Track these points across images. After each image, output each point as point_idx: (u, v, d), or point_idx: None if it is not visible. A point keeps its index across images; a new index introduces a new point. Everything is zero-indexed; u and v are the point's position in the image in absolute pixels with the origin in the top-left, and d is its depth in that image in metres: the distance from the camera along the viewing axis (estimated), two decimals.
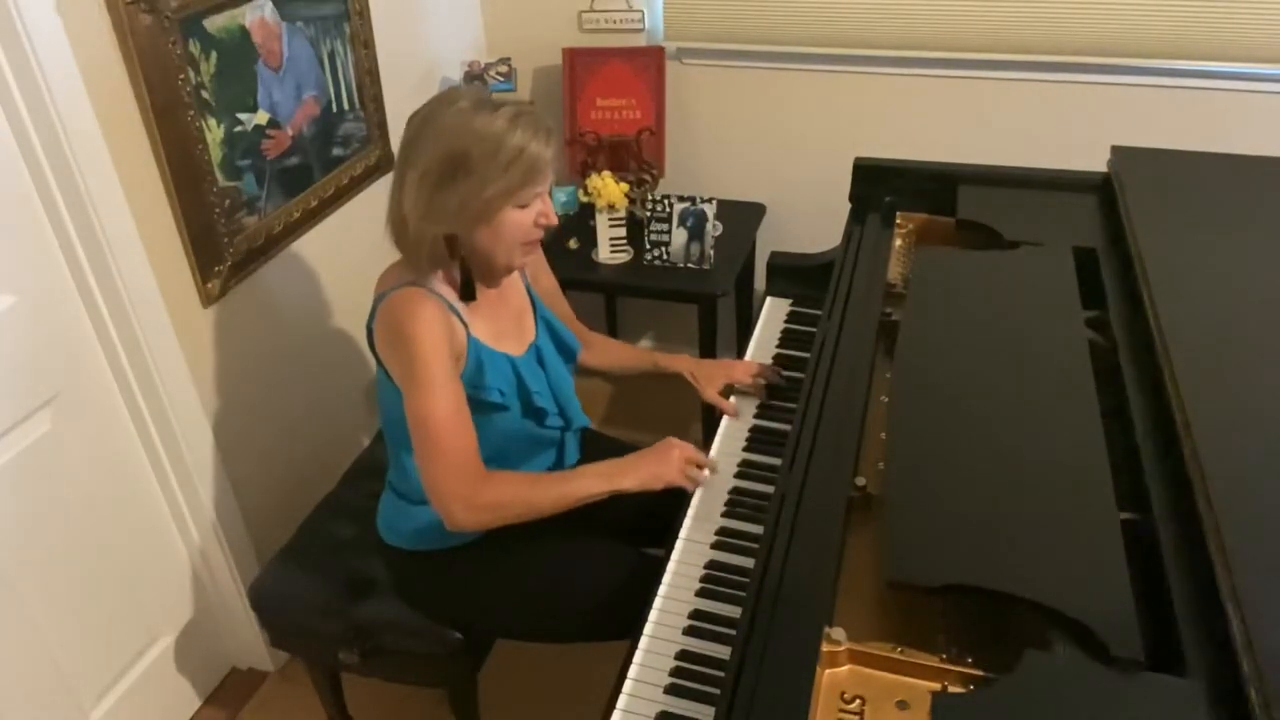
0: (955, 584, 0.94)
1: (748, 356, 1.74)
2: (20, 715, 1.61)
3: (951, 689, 0.94)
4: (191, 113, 1.65)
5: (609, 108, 2.53)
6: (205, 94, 1.68)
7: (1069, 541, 0.98)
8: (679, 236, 2.34)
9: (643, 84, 2.51)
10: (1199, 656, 0.85)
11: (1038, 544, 0.98)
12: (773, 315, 1.86)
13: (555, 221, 1.38)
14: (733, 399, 1.61)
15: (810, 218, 2.59)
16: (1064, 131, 2.32)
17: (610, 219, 2.36)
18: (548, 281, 1.64)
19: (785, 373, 1.64)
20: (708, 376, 1.64)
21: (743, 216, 2.58)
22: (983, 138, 2.40)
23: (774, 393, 1.61)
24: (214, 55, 1.69)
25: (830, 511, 1.13)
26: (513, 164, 1.28)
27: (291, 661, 2.07)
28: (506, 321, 1.48)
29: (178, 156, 1.64)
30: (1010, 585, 0.93)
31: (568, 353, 1.58)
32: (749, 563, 1.27)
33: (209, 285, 1.76)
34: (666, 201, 2.31)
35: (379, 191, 2.23)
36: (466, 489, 1.31)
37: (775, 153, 2.59)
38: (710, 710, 1.01)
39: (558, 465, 1.58)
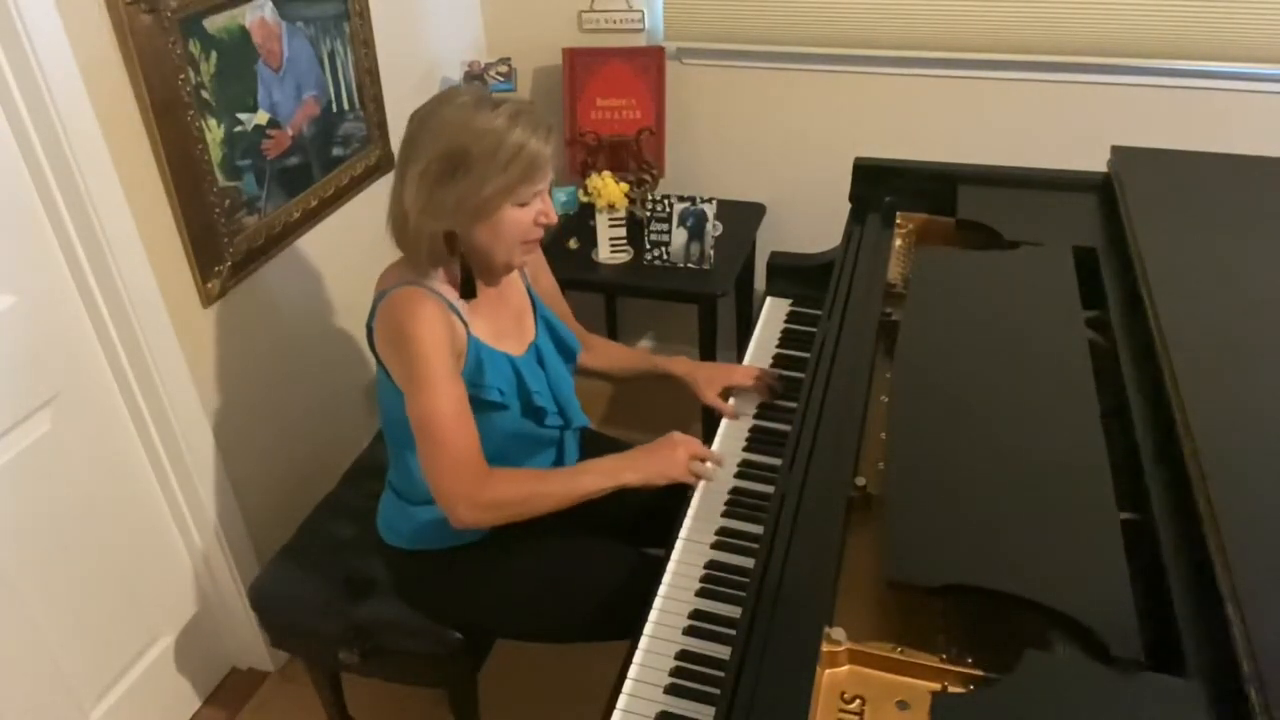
0: (955, 584, 0.94)
1: (748, 356, 1.74)
2: (20, 715, 1.61)
3: (951, 689, 0.94)
4: (191, 113, 1.65)
5: (609, 108, 2.53)
6: (205, 94, 1.68)
7: (1069, 541, 0.98)
8: (679, 236, 2.34)
9: (643, 84, 2.51)
10: (1199, 656, 0.85)
11: (1038, 544, 0.98)
12: (773, 315, 1.86)
13: (555, 220, 1.38)
14: (732, 400, 1.61)
15: (810, 218, 2.59)
16: (1064, 131, 2.32)
17: (610, 219, 2.36)
18: (547, 282, 1.64)
19: (785, 373, 1.64)
20: (706, 379, 1.64)
21: (743, 216, 2.58)
22: (983, 138, 2.40)
23: (774, 394, 1.61)
24: (214, 55, 1.69)
25: (830, 511, 1.13)
26: (512, 161, 1.28)
27: (291, 661, 2.07)
28: (506, 321, 1.48)
29: (178, 156, 1.64)
30: (1010, 585, 0.93)
31: (567, 353, 1.58)
32: (749, 563, 1.27)
33: (209, 285, 1.76)
34: (666, 201, 2.31)
35: (379, 191, 2.23)
36: (470, 487, 1.31)
37: (775, 153, 2.59)
38: (710, 710, 1.01)
39: (557, 465, 1.58)
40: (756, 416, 1.58)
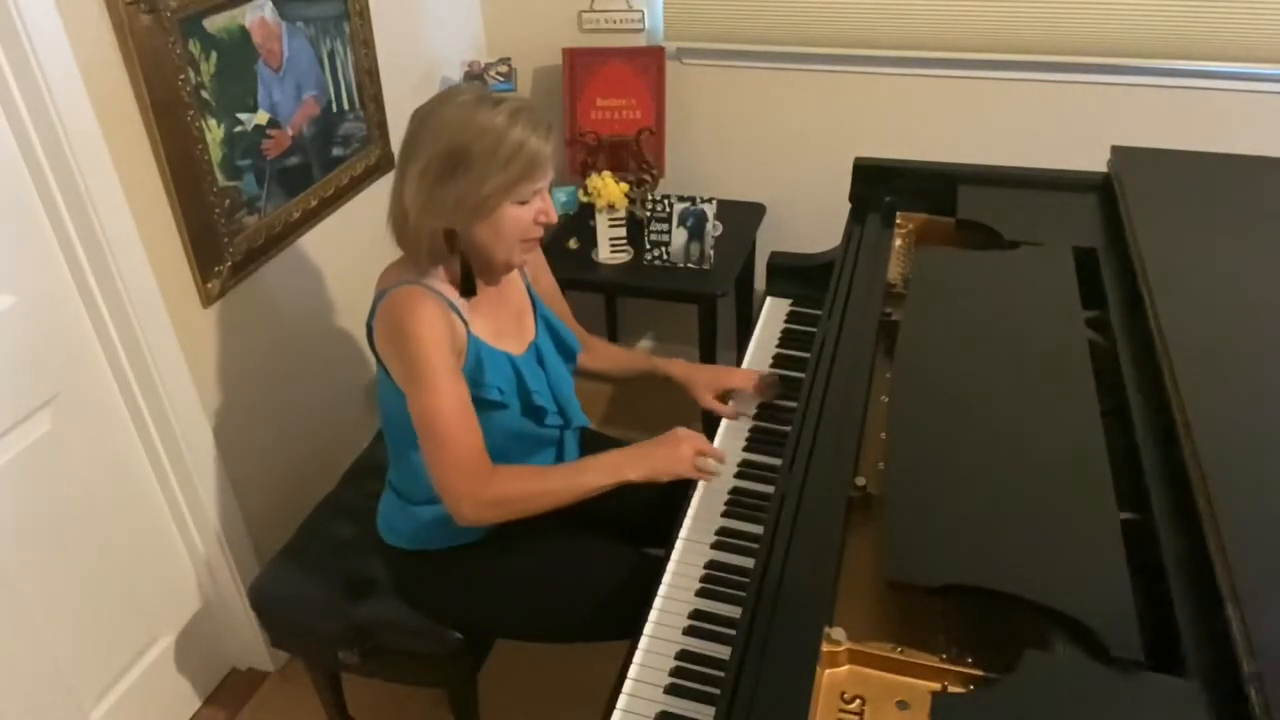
0: (955, 584, 0.94)
1: (748, 356, 1.74)
2: (20, 715, 1.61)
3: (951, 689, 0.94)
4: (191, 113, 1.65)
5: (609, 108, 2.53)
6: (205, 94, 1.68)
7: (1069, 541, 0.98)
8: (679, 236, 2.34)
9: (643, 84, 2.51)
10: (1199, 656, 0.85)
11: (1038, 544, 0.98)
12: (773, 315, 1.86)
13: (555, 219, 1.38)
14: (731, 401, 1.61)
15: (810, 218, 2.59)
16: (1064, 131, 2.32)
17: (610, 219, 2.36)
18: (547, 282, 1.64)
19: (785, 372, 1.64)
20: (703, 382, 1.63)
21: (743, 216, 2.58)
22: (983, 138, 2.40)
23: (775, 393, 1.61)
24: (214, 55, 1.69)
25: (830, 511, 1.13)
26: (512, 159, 1.28)
27: (291, 661, 2.07)
28: (506, 320, 1.48)
29: (178, 156, 1.64)
30: (1010, 585, 0.92)
31: (567, 352, 1.58)
32: (749, 563, 1.27)
33: (209, 285, 1.76)
34: (666, 201, 2.31)
35: (379, 191, 2.23)
36: (474, 485, 1.31)
37: (775, 153, 2.59)
38: (710, 710, 1.01)
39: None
40: (756, 416, 1.58)
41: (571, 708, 1.94)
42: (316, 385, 2.14)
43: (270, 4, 1.81)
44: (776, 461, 1.38)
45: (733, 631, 1.07)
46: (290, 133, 1.93)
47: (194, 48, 1.64)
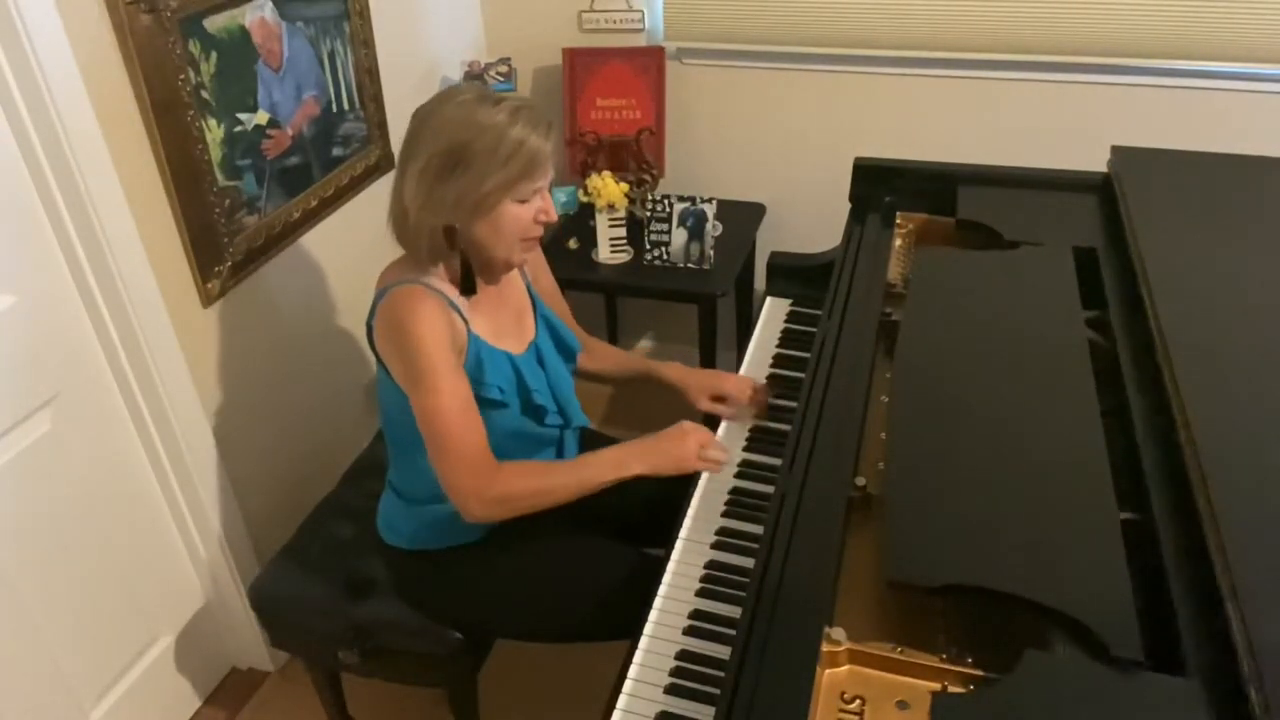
0: (955, 584, 0.94)
1: (747, 356, 1.74)
2: (20, 715, 1.61)
3: (951, 689, 0.94)
4: (191, 112, 1.65)
5: (609, 108, 2.53)
6: (205, 94, 1.68)
7: (1069, 541, 0.98)
8: (679, 236, 2.34)
9: (643, 84, 2.51)
10: (1199, 656, 0.85)
11: (1038, 544, 0.98)
12: (773, 315, 1.86)
13: (555, 218, 1.38)
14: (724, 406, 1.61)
15: (810, 218, 2.59)
16: (1064, 131, 2.32)
17: (610, 219, 2.36)
18: (547, 282, 1.64)
19: (785, 372, 1.64)
20: (699, 386, 1.62)
21: (743, 216, 2.58)
22: (983, 138, 2.40)
23: (773, 394, 1.61)
24: (214, 55, 1.69)
25: (830, 511, 1.13)
26: (513, 157, 1.28)
27: (291, 661, 2.07)
28: (506, 319, 1.48)
29: (178, 156, 1.64)
30: (1010, 585, 0.92)
31: (567, 352, 1.58)
32: (749, 563, 1.27)
33: (209, 285, 1.76)
34: (666, 201, 2.31)
35: (379, 191, 2.23)
36: (480, 482, 1.31)
37: (775, 153, 2.59)
38: (710, 710, 1.01)
39: None
40: (756, 417, 1.58)
41: (571, 708, 1.94)
42: (316, 385, 2.14)
43: (270, 4, 1.81)
44: (776, 461, 1.38)
45: (733, 631, 1.07)
46: (290, 133, 1.93)
47: (194, 48, 1.64)
